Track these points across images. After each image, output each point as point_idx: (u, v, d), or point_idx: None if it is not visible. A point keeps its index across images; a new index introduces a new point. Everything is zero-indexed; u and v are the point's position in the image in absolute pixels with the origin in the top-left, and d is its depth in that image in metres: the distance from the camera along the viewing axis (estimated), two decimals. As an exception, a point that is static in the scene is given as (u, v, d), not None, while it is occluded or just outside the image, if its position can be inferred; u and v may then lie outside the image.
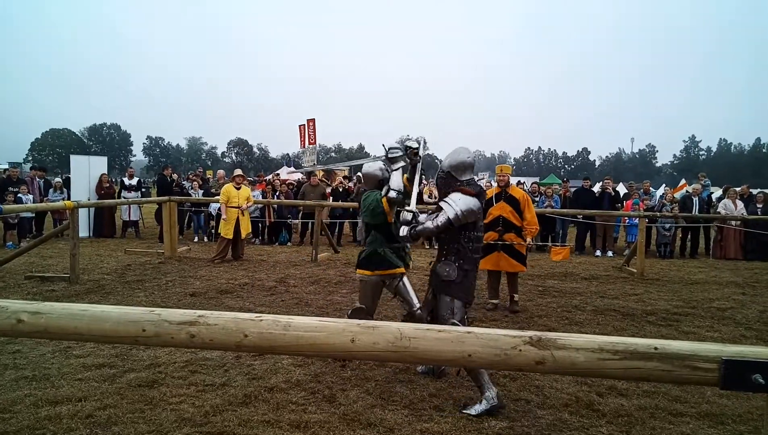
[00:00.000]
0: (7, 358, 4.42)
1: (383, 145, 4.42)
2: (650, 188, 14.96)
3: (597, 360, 1.48)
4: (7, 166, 15.98)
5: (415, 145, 4.26)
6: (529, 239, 6.48)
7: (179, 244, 11.03)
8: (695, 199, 12.48)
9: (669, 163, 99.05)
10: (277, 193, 13.85)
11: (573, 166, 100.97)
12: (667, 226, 11.92)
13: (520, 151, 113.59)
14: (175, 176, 13.82)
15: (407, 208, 4.05)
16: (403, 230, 4.03)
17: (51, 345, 4.71)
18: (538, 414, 3.63)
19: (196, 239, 13.26)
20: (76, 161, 13.78)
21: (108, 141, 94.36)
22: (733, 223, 11.48)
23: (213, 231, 12.67)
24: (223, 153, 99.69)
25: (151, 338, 1.70)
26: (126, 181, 14.41)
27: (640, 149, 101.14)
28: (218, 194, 10.71)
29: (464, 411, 3.60)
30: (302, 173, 16.92)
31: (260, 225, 13.11)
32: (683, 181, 22.24)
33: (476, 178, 6.21)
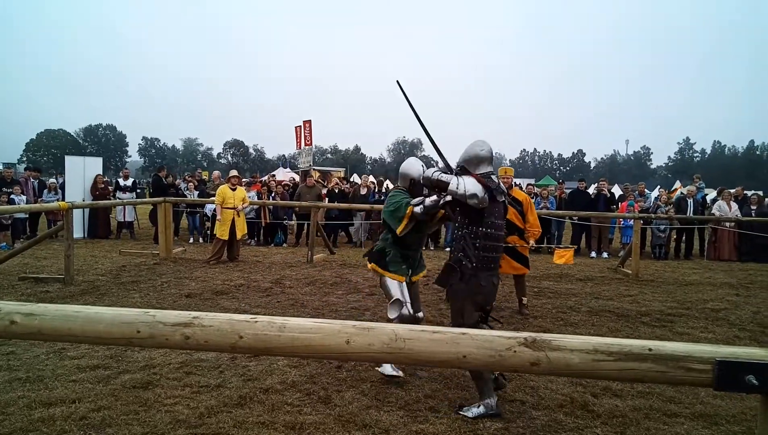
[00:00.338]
0: (1, 360, 4.40)
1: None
2: (645, 190, 15.03)
3: (591, 361, 1.48)
4: (0, 167, 15.87)
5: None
6: (531, 242, 6.49)
7: (174, 245, 11.00)
8: (690, 201, 12.55)
9: (663, 165, 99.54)
10: (273, 194, 13.84)
11: (568, 168, 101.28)
12: (662, 227, 11.97)
13: (515, 152, 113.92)
14: (170, 179, 13.75)
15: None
16: (419, 209, 4.06)
17: (45, 346, 4.68)
18: (533, 415, 3.64)
19: (191, 240, 13.22)
20: (71, 162, 13.72)
21: (103, 142, 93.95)
22: (728, 224, 11.54)
23: (208, 232, 12.64)
24: (218, 154, 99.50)
25: (145, 340, 1.69)
26: (121, 181, 14.36)
27: (634, 151, 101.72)
28: (214, 195, 10.69)
29: (460, 412, 3.60)
30: (297, 173, 16.92)
31: (256, 226, 13.09)
32: (678, 184, 22.38)
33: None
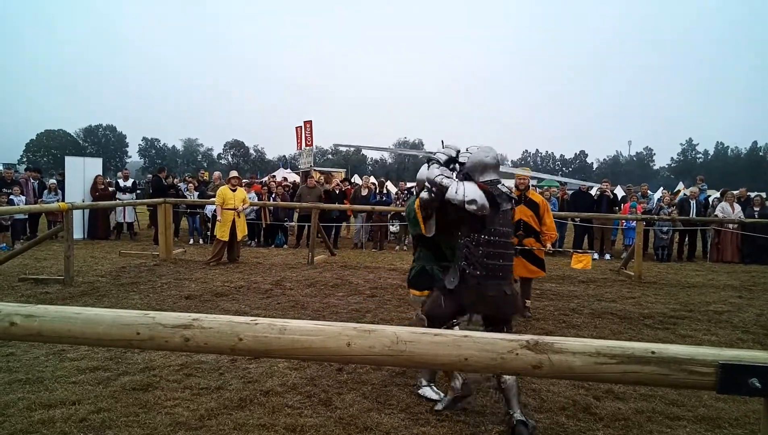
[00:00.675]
0: (0, 361, 4.39)
1: (441, 142, 4.14)
2: (648, 191, 15.00)
3: (594, 364, 1.47)
4: (0, 167, 15.89)
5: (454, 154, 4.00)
6: (548, 245, 6.41)
7: (174, 246, 10.99)
8: (692, 203, 12.53)
9: (666, 166, 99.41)
10: (273, 195, 13.84)
11: (571, 169, 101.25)
12: (665, 229, 11.95)
13: (517, 153, 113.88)
14: (170, 180, 13.76)
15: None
16: (425, 194, 3.82)
17: (45, 348, 4.67)
18: (535, 418, 3.62)
19: (191, 241, 13.22)
20: (71, 162, 13.73)
21: (103, 142, 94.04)
22: (731, 226, 11.52)
23: (208, 233, 12.64)
24: (219, 154, 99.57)
25: (145, 341, 1.68)
26: (121, 182, 14.37)
27: (637, 152, 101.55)
28: (214, 196, 10.68)
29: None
30: (298, 174, 16.91)
31: (256, 227, 13.09)
32: (681, 186, 22.34)
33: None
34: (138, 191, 14.92)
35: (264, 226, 13.08)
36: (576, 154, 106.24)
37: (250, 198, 11.11)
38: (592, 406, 3.81)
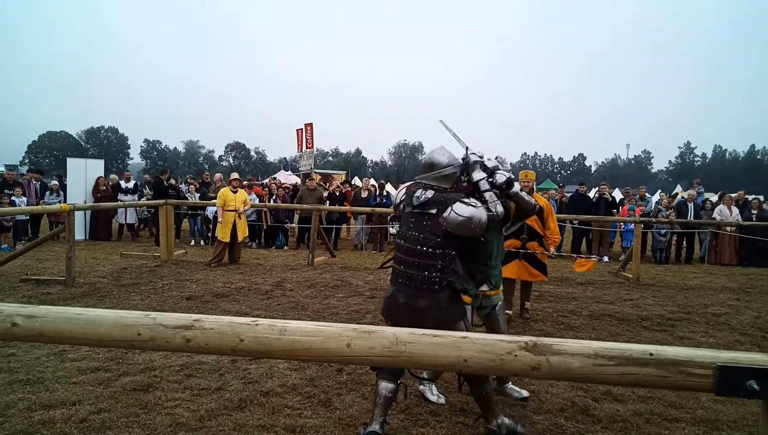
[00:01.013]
0: (1, 362, 4.40)
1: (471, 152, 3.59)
2: (646, 194, 15.02)
3: (592, 366, 1.48)
4: (2, 169, 15.91)
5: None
6: (552, 249, 6.38)
7: (175, 247, 11.00)
8: (690, 205, 12.54)
9: (664, 169, 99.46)
10: (274, 197, 13.85)
11: (569, 172, 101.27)
12: (663, 231, 11.97)
13: (516, 155, 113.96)
14: (171, 181, 13.79)
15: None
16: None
17: (46, 348, 4.68)
18: (534, 419, 3.63)
19: (192, 243, 13.23)
20: (73, 164, 13.75)
21: (105, 144, 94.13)
22: (728, 229, 11.53)
23: (209, 234, 12.66)
24: (220, 156, 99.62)
25: (146, 342, 1.70)
26: (122, 184, 14.38)
27: (635, 155, 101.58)
28: (215, 198, 10.71)
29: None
30: (299, 176, 16.91)
31: (257, 228, 13.10)
32: (679, 189, 22.37)
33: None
34: (140, 192, 14.89)
35: (265, 227, 13.09)
36: (574, 157, 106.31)
37: (251, 200, 11.13)
38: (591, 407, 3.82)
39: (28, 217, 12.08)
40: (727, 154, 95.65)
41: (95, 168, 13.91)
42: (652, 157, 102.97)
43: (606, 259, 12.08)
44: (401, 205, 3.46)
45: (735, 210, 12.21)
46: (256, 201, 12.58)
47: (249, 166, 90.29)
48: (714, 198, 14.86)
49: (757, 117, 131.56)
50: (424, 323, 2.77)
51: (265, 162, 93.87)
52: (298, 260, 10.57)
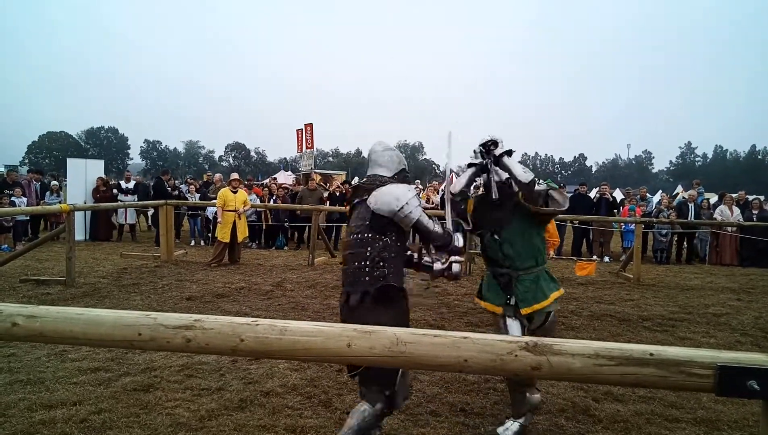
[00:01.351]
0: (2, 362, 4.40)
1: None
2: (647, 194, 15.02)
3: (593, 366, 1.48)
4: (2, 169, 15.90)
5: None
6: (551, 252, 6.24)
7: (176, 247, 11.00)
8: (691, 206, 12.54)
9: (665, 170, 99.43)
10: (274, 197, 13.85)
11: (570, 172, 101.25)
12: (664, 232, 11.96)
13: (517, 156, 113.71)
14: (171, 182, 13.80)
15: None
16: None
17: (46, 349, 4.68)
18: (534, 420, 3.63)
19: (192, 243, 13.23)
20: (73, 164, 13.76)
21: (105, 144, 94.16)
22: (729, 229, 11.53)
23: (210, 235, 12.66)
24: (220, 157, 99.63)
25: (147, 342, 1.69)
26: (123, 184, 14.39)
27: (636, 155, 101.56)
28: (215, 198, 10.71)
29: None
30: (299, 176, 16.90)
31: (257, 229, 13.10)
32: (680, 189, 22.37)
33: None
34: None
35: (264, 227, 13.09)
36: (575, 157, 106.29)
37: (251, 200, 11.14)
38: (592, 407, 3.82)
39: (28, 218, 12.08)
40: (728, 154, 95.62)
41: (95, 168, 13.92)
42: (653, 157, 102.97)
43: (607, 259, 12.08)
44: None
45: (736, 210, 12.21)
46: (257, 201, 12.58)
47: (249, 166, 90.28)
48: (713, 198, 14.86)
49: (757, 117, 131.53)
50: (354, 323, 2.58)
51: (265, 162, 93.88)
52: (298, 260, 10.57)
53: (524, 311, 3.26)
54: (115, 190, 13.96)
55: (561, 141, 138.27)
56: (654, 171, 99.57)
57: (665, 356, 1.46)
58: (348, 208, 3.28)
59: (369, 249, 2.90)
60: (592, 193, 14.80)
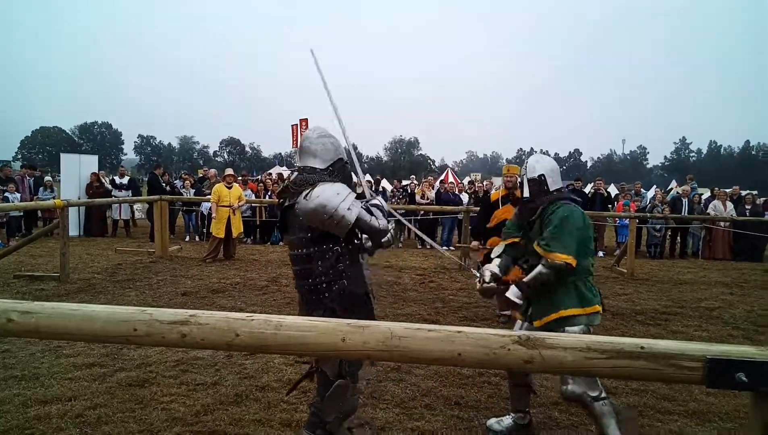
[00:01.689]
0: (-4, 358, 4.39)
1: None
2: (641, 189, 15.08)
3: (584, 359, 1.50)
4: (-3, 163, 15.79)
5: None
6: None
7: (170, 243, 10.97)
8: (684, 201, 12.61)
9: (660, 165, 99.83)
10: (269, 192, 13.81)
11: (565, 167, 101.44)
12: (658, 226, 12.03)
13: (512, 151, 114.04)
14: (166, 177, 13.75)
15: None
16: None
17: (41, 344, 4.67)
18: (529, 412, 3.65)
19: (187, 238, 13.19)
20: (67, 160, 13.67)
21: (99, 139, 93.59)
22: (722, 224, 11.61)
23: (205, 230, 12.63)
24: (215, 152, 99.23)
25: (142, 338, 1.70)
26: (117, 179, 14.31)
27: (631, 151, 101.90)
28: (210, 194, 10.68)
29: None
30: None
31: (252, 224, 13.08)
32: (674, 184, 22.49)
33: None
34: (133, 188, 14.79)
35: (259, 223, 13.06)
36: (570, 152, 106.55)
37: (246, 195, 11.11)
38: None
39: (21, 214, 12.01)
40: (722, 149, 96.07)
41: (89, 164, 13.82)
42: (648, 152, 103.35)
43: (601, 253, 12.14)
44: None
45: (729, 205, 12.29)
46: (252, 197, 12.54)
47: (244, 161, 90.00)
48: (706, 194, 14.95)
49: (751, 113, 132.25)
50: None
51: (260, 157, 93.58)
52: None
53: (536, 324, 3.14)
54: (108, 186, 13.90)
55: (556, 136, 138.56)
56: (648, 166, 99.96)
57: (656, 349, 1.48)
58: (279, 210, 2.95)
59: (320, 263, 2.64)
60: (587, 189, 14.84)
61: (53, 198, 12.03)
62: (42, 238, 9.70)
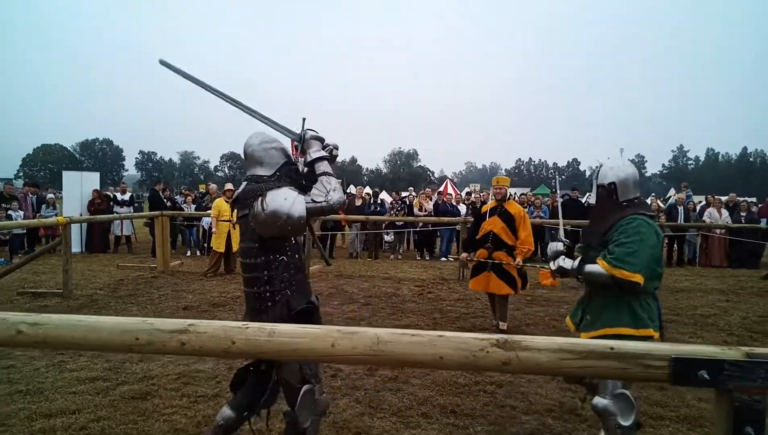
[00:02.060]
0: (1, 373, 4.47)
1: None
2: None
3: (558, 360, 1.60)
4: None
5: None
6: (519, 259, 5.85)
7: (172, 258, 11.07)
8: (680, 209, 12.71)
9: (658, 173, 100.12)
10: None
11: (564, 177, 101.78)
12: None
13: (511, 161, 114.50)
14: (167, 193, 13.90)
15: None
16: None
17: (45, 360, 4.76)
18: (522, 419, 3.74)
19: (188, 253, 13.30)
20: (69, 177, 13.83)
21: (100, 156, 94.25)
22: (718, 231, 11.70)
23: (206, 245, 12.73)
24: (215, 167, 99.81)
25: (144, 346, 1.80)
26: (118, 196, 14.46)
27: (629, 159, 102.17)
28: (210, 208, 10.80)
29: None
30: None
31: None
32: (672, 192, 22.62)
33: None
34: (135, 205, 14.96)
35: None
36: (569, 161, 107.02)
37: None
38: (578, 407, 3.92)
39: (24, 231, 12.13)
40: (720, 157, 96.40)
41: (91, 181, 13.98)
42: (646, 160, 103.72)
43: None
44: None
45: (725, 212, 12.39)
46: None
47: (245, 176, 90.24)
48: (703, 202, 15.05)
49: (749, 120, 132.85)
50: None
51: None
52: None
53: (582, 335, 3.03)
54: (111, 202, 14.04)
55: (555, 146, 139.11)
56: (647, 174, 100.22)
57: (624, 350, 1.58)
58: (234, 219, 2.99)
59: (266, 272, 2.69)
60: (584, 198, 14.95)
61: (56, 215, 12.16)
62: (45, 255, 9.82)
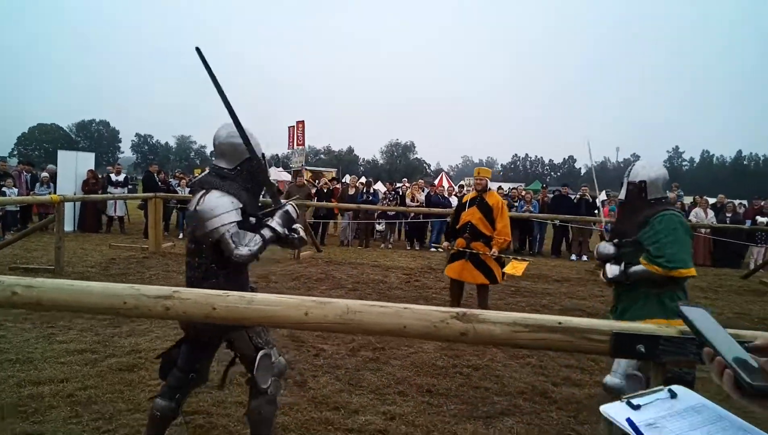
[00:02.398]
0: (-8, 343, 4.60)
1: None
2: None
3: (511, 332, 1.75)
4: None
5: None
6: (495, 250, 5.88)
7: (164, 239, 11.17)
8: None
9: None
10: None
11: (559, 174, 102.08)
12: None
13: (507, 157, 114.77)
14: (162, 176, 13.96)
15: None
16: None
17: (35, 331, 4.89)
18: (494, 400, 3.91)
19: (180, 235, 13.38)
20: (64, 156, 13.86)
21: (96, 137, 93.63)
22: (702, 230, 11.92)
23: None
24: (211, 152, 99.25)
25: (131, 310, 1.93)
26: (113, 176, 14.50)
27: (624, 159, 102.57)
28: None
29: None
30: (290, 173, 17.05)
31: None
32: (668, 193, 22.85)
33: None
34: (129, 187, 15.01)
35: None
36: (564, 159, 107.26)
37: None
38: (549, 391, 4.10)
39: (18, 208, 12.19)
40: (715, 159, 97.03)
41: (86, 161, 14.02)
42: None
43: (585, 257, 12.42)
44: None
45: (710, 213, 12.60)
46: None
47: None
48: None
49: (744, 123, 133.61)
50: (191, 330, 2.74)
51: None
52: (284, 254, 10.77)
53: None
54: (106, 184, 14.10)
55: (551, 143, 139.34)
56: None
57: (571, 325, 1.73)
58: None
59: (196, 259, 2.69)
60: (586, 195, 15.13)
61: (50, 193, 12.20)
62: (37, 232, 9.90)
